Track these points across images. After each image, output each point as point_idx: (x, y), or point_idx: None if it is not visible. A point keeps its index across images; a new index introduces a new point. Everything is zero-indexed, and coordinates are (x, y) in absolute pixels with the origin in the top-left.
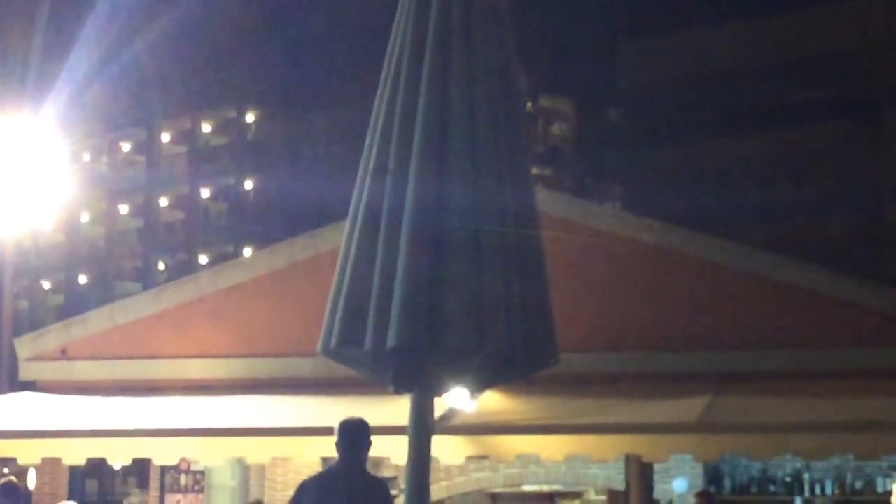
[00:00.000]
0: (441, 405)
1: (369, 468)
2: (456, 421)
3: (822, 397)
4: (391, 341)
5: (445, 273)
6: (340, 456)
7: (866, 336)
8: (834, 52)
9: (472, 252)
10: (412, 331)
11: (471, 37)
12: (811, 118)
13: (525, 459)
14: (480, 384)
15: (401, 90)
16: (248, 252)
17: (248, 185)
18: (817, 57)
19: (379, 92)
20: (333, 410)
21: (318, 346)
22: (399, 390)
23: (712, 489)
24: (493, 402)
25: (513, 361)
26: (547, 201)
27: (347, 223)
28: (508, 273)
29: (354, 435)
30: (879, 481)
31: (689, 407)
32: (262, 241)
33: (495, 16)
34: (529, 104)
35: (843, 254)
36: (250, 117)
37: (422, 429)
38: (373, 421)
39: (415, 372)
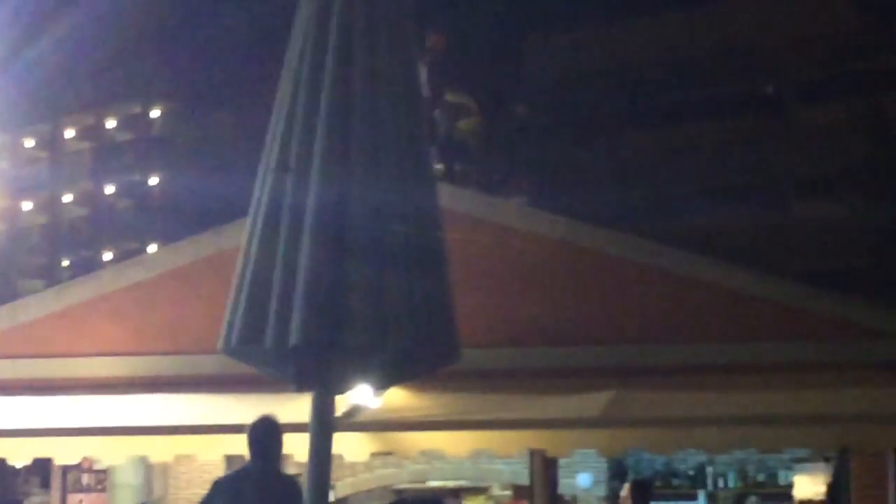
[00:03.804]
0: (344, 402)
1: None
2: (360, 417)
3: (724, 391)
4: (293, 339)
5: (348, 271)
6: (252, 455)
7: (769, 330)
8: (738, 47)
9: (375, 250)
10: (314, 328)
11: (374, 36)
12: (716, 113)
13: (430, 455)
14: (384, 381)
15: (302, 88)
16: (153, 249)
17: (154, 181)
18: (721, 52)
19: (280, 89)
20: (237, 408)
21: (219, 344)
22: (301, 388)
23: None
24: (397, 398)
25: (416, 358)
26: (450, 197)
27: (248, 220)
28: (410, 271)
29: (265, 434)
30: (781, 474)
31: (593, 401)
32: (168, 237)
33: (399, 14)
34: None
35: (749, 249)
36: (155, 113)
37: (323, 427)
38: None
39: (317, 370)
